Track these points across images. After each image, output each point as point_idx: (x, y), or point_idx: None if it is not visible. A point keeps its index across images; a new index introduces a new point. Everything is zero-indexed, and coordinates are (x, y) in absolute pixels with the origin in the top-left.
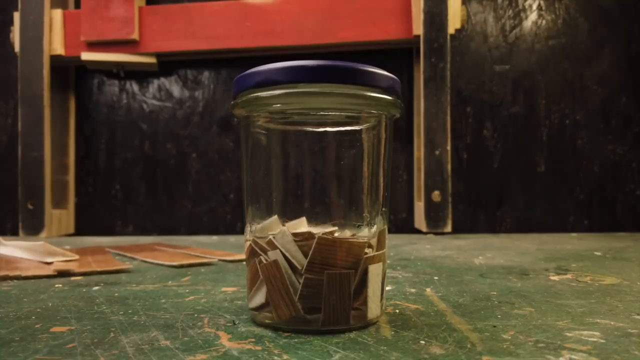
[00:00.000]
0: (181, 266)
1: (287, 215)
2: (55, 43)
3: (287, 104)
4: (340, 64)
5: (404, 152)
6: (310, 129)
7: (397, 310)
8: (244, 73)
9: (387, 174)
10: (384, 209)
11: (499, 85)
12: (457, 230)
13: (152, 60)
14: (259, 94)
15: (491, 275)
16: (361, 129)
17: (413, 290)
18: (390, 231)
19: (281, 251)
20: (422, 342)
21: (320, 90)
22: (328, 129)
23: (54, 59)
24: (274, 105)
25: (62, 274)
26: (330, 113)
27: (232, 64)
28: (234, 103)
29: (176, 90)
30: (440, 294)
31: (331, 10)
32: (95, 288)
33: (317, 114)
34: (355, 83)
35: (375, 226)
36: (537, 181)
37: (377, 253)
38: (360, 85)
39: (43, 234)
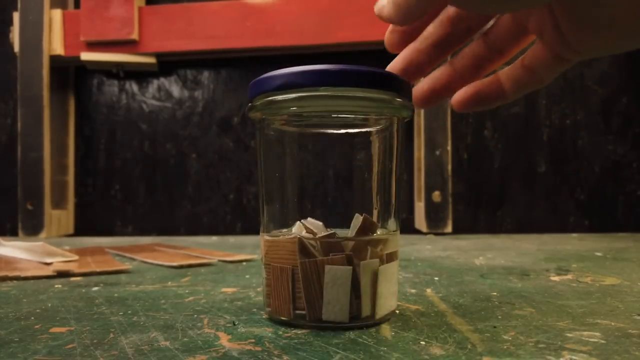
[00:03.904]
0: (181, 267)
1: (303, 215)
2: (55, 43)
3: (303, 107)
4: (356, 67)
5: (404, 152)
6: (326, 131)
7: (398, 311)
8: (261, 77)
9: (399, 178)
10: (395, 212)
11: None
12: (458, 230)
13: (152, 60)
14: (276, 97)
15: (491, 275)
16: (374, 132)
17: (413, 290)
18: None
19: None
20: (423, 342)
21: (338, 94)
22: (342, 130)
23: (54, 59)
24: (291, 109)
25: (62, 274)
26: (345, 116)
27: (232, 64)
28: (250, 106)
29: (176, 90)
30: (440, 295)
31: (331, 10)
32: (95, 288)
33: (331, 117)
34: (371, 86)
35: (386, 229)
36: (537, 181)
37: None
38: (377, 89)
39: (42, 235)
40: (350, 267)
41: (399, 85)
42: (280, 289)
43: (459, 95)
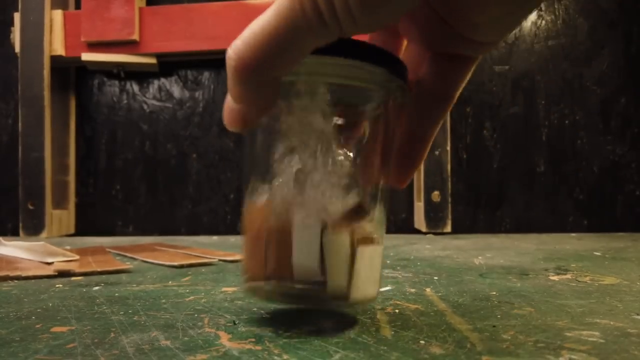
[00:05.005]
0: (181, 266)
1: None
2: (56, 44)
3: (293, 75)
4: (352, 39)
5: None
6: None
7: (397, 310)
8: None
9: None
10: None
11: (499, 86)
12: (457, 230)
13: (153, 60)
14: None
15: (491, 275)
16: (364, 111)
17: (413, 290)
18: (390, 231)
19: None
20: (422, 342)
21: (322, 62)
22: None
23: (55, 59)
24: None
25: (63, 274)
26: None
27: None
28: None
29: (176, 90)
30: (440, 294)
31: None
32: (96, 288)
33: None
34: (365, 59)
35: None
36: (536, 181)
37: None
38: (366, 62)
39: (43, 234)
40: (319, 225)
41: (390, 61)
42: (255, 254)
43: (398, 176)
